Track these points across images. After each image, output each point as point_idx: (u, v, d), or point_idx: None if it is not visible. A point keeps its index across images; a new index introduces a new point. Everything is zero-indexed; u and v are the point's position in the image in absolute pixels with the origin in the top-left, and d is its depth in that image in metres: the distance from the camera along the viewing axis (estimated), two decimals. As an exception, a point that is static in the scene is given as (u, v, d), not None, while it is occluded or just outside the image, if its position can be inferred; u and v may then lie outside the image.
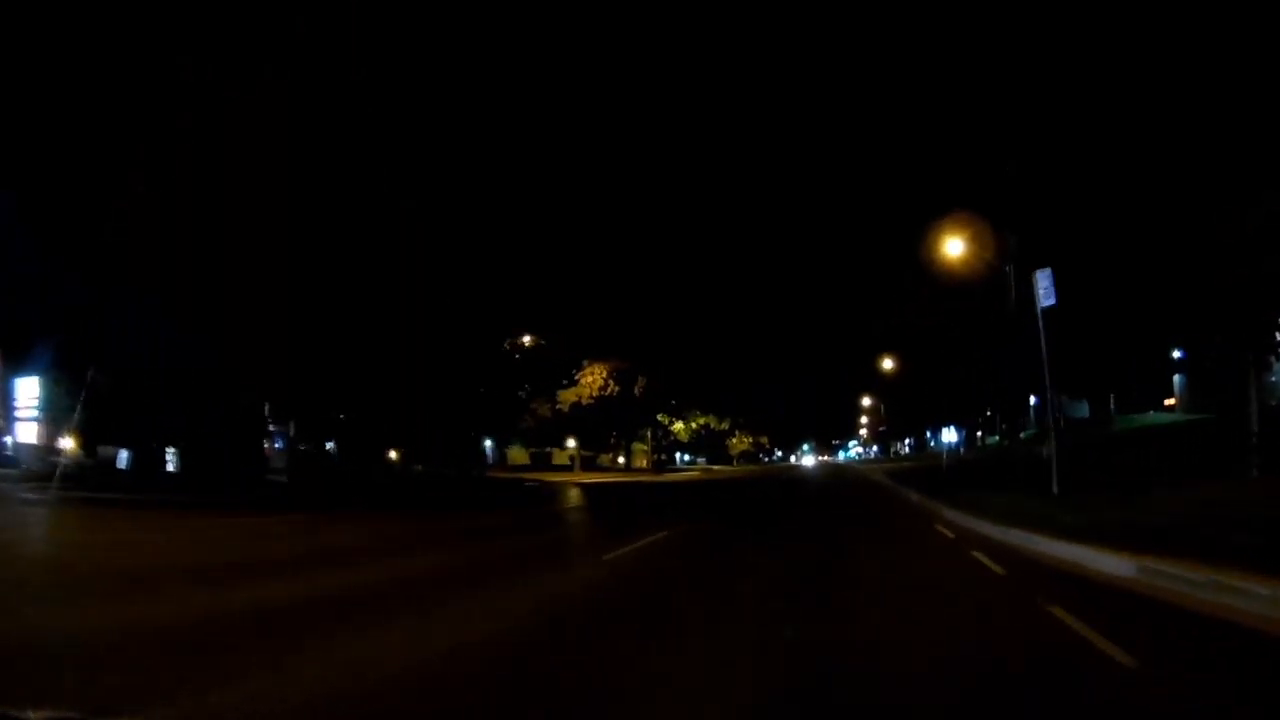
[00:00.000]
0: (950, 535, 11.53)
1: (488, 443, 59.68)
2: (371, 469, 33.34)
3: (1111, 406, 43.45)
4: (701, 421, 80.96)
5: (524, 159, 37.18)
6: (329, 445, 36.82)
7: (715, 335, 69.92)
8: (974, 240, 24.95)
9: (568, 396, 53.98)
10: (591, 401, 55.29)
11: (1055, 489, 13.43)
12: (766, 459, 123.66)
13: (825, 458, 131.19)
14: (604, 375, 55.82)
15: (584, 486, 34.45)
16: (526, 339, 43.22)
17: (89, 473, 27.17)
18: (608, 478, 48.14)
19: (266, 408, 26.61)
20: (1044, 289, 13.33)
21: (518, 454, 65.44)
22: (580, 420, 55.92)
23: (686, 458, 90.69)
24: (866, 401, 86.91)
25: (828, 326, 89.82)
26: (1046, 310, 13.46)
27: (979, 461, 36.79)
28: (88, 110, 21.82)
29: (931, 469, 34.81)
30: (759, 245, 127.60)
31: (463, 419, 34.68)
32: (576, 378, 54.15)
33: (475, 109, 35.79)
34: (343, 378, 28.83)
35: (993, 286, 27.45)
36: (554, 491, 30.32)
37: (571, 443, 59.81)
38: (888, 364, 53.33)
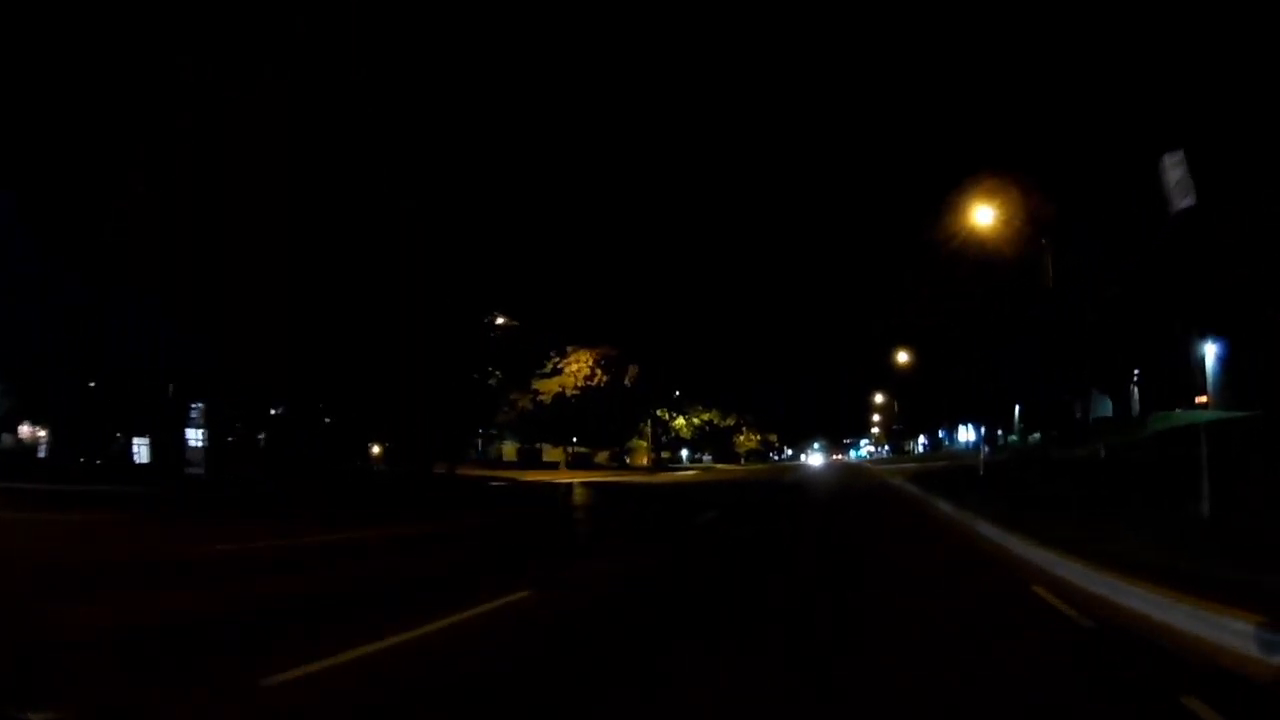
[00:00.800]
0: (1084, 622, 5.97)
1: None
2: (305, 464, 29.69)
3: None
4: (705, 418, 77.61)
5: (505, 125, 34.34)
6: (263, 436, 33.40)
7: (716, 326, 66.53)
8: (1004, 209, 22.69)
9: (548, 386, 48.49)
10: (577, 392, 50.25)
11: (1206, 509, 8.96)
12: (775, 457, 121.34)
13: (837, 456, 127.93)
14: (590, 363, 51.05)
15: (553, 488, 31.09)
16: (499, 320, 38.23)
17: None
18: (594, 477, 44.16)
19: (170, 389, 24.00)
20: (1177, 181, 8.67)
21: (510, 450, 61.90)
22: (566, 413, 50.85)
23: (694, 455, 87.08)
24: (879, 398, 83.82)
25: (838, 320, 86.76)
26: (1183, 213, 9.06)
27: (1010, 463, 32.90)
28: (88, 110, 21.84)
29: (958, 472, 30.78)
30: (765, 234, 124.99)
31: (430, 411, 31.06)
32: (559, 365, 48.98)
33: (460, 78, 33.65)
34: (295, 364, 26.06)
35: (1022, 264, 24.39)
36: (508, 495, 27.06)
37: (575, 439, 56.16)
38: (902, 358, 50.39)
